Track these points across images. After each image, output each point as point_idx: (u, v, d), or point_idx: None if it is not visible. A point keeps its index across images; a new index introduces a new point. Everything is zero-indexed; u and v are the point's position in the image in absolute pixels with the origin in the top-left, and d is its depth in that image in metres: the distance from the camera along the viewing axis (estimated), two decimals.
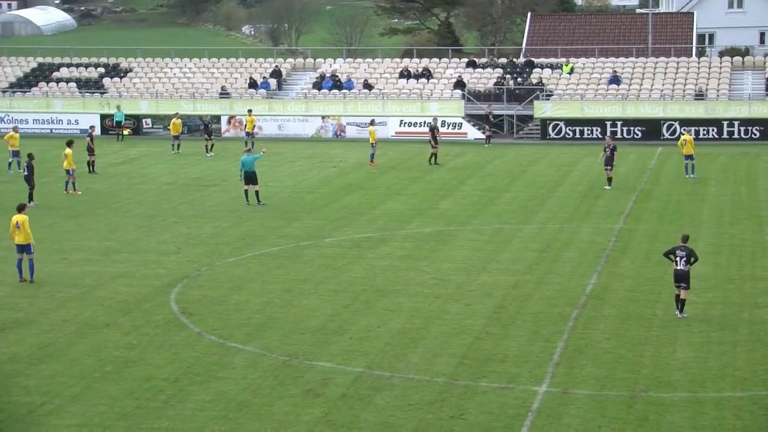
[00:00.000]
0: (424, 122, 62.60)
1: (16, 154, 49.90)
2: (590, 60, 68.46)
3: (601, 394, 20.67)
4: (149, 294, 28.45)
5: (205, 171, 51.12)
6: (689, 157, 47.00)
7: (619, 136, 58.93)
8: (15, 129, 51.35)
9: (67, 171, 44.32)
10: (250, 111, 60.35)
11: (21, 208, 29.85)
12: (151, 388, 21.26)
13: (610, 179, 44.55)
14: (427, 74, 68.11)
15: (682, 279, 25.33)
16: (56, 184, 45.34)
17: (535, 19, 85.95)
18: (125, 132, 64.31)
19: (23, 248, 29.45)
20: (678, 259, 25.31)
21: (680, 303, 25.58)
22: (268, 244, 34.66)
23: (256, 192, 41.37)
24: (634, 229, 36.28)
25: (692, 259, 25.31)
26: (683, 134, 49.74)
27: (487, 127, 60.97)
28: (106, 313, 26.65)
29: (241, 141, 58.71)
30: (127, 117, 65.59)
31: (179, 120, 58.51)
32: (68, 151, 44.10)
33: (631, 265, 31.08)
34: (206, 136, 57.32)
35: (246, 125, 59.42)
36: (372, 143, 52.53)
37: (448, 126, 62.86)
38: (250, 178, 41.21)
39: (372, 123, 54.00)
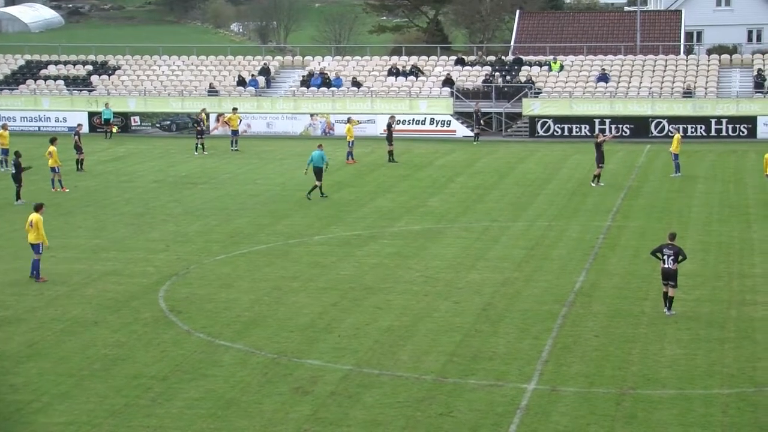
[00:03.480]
0: (413, 120, 62.80)
1: (5, 152, 49.77)
2: (579, 58, 68.55)
3: (590, 392, 20.69)
4: (138, 292, 28.40)
5: (194, 169, 51.04)
6: (676, 155, 47.10)
7: (607, 133, 58.94)
8: (4, 127, 51.20)
9: (53, 169, 44.23)
10: (235, 109, 60.06)
11: (38, 208, 29.98)
12: (140, 386, 21.22)
13: (599, 175, 44.62)
14: (415, 72, 68.11)
15: (669, 277, 25.38)
16: (44, 182, 45.19)
17: (523, 17, 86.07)
18: (113, 129, 64.12)
19: (33, 247, 29.51)
20: (665, 257, 25.35)
21: (668, 300, 25.63)
22: (256, 241, 34.63)
23: (319, 187, 41.93)
24: (622, 227, 36.33)
25: (680, 257, 25.35)
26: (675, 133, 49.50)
27: (475, 124, 61.06)
28: (95, 311, 26.61)
29: (229, 139, 58.55)
30: (116, 115, 65.42)
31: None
32: (52, 148, 44.05)
33: (619, 263, 31.14)
34: (197, 135, 56.98)
35: (230, 123, 58.99)
36: (349, 141, 52.53)
37: (437, 124, 62.97)
38: (316, 173, 41.88)
39: (349, 120, 54.06)
